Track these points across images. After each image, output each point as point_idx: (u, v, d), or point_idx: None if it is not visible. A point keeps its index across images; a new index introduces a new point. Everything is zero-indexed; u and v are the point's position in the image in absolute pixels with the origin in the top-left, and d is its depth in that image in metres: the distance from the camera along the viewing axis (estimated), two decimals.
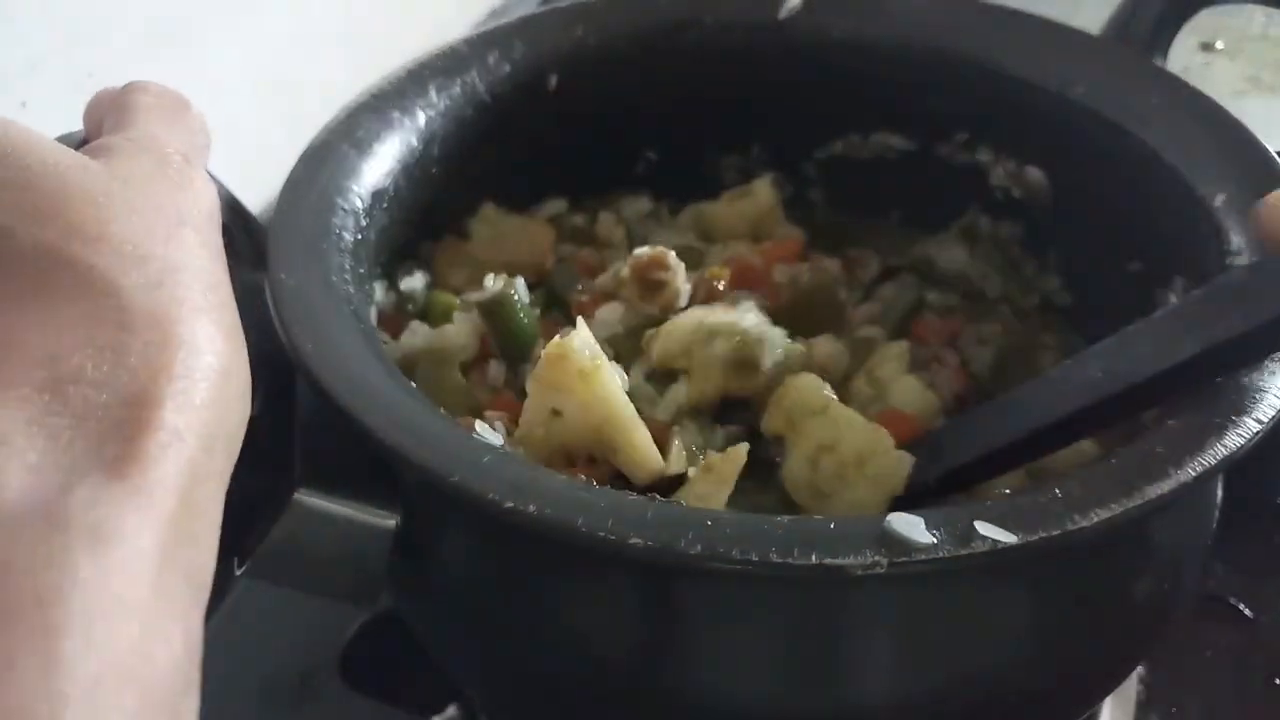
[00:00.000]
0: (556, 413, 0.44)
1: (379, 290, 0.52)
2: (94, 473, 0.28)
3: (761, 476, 0.46)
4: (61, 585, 0.26)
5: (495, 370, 0.51)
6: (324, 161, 0.49)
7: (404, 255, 0.55)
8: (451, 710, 0.54)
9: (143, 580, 0.28)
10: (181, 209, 0.34)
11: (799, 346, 0.50)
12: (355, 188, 0.49)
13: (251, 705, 0.55)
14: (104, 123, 0.37)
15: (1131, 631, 0.44)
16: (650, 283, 0.52)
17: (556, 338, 0.44)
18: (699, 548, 0.34)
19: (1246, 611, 0.58)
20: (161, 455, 0.29)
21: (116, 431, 0.29)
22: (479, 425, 0.41)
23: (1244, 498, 0.47)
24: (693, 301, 0.52)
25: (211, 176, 0.41)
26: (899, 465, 0.44)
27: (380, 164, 0.51)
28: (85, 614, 0.26)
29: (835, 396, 0.47)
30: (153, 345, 0.30)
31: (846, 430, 0.45)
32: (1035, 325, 0.58)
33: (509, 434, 0.46)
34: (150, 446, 0.29)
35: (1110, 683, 0.47)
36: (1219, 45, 0.86)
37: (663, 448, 0.46)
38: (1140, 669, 0.55)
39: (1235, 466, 0.37)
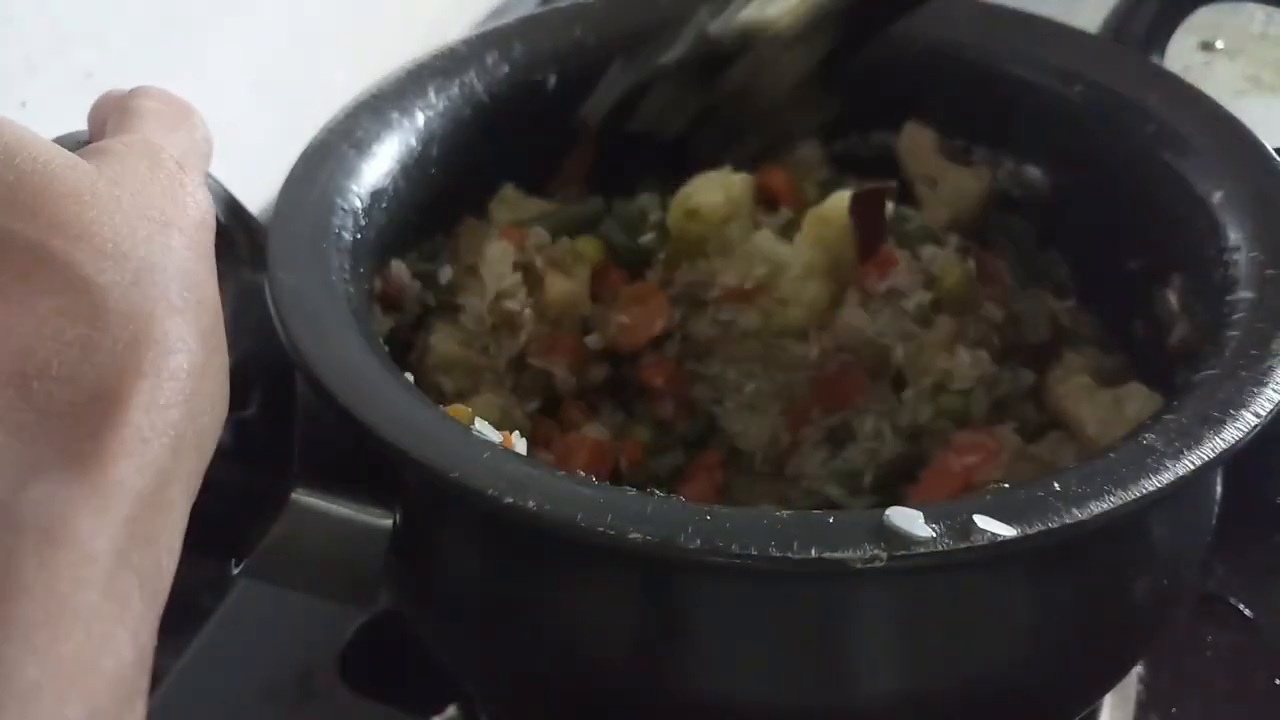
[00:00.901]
0: None
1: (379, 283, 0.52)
2: (53, 470, 0.28)
3: None
4: (3, 588, 0.26)
5: None
6: (323, 161, 0.49)
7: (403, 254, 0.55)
8: (451, 710, 0.54)
9: (92, 585, 0.27)
10: (168, 213, 0.34)
11: None
12: (354, 188, 0.49)
13: (251, 705, 0.55)
14: (106, 125, 0.37)
15: (1131, 628, 0.44)
16: None
17: None
18: (698, 542, 0.34)
19: (1246, 611, 0.58)
20: (124, 454, 0.29)
21: (79, 429, 0.29)
22: (479, 423, 0.41)
23: (1244, 497, 0.47)
24: None
25: (210, 176, 0.41)
26: None
27: (379, 164, 0.51)
28: (25, 619, 0.26)
29: None
30: (123, 343, 0.30)
31: None
32: None
33: None
34: (113, 445, 0.29)
35: (1109, 680, 0.47)
36: (1219, 45, 0.86)
37: None
38: (1140, 668, 0.55)
39: (1234, 465, 0.37)
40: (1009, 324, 0.53)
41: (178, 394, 0.31)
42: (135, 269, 0.31)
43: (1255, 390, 0.38)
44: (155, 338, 0.31)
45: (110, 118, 0.37)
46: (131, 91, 0.38)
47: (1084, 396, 0.49)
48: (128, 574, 0.28)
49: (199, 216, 0.35)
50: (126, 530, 0.28)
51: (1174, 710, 0.54)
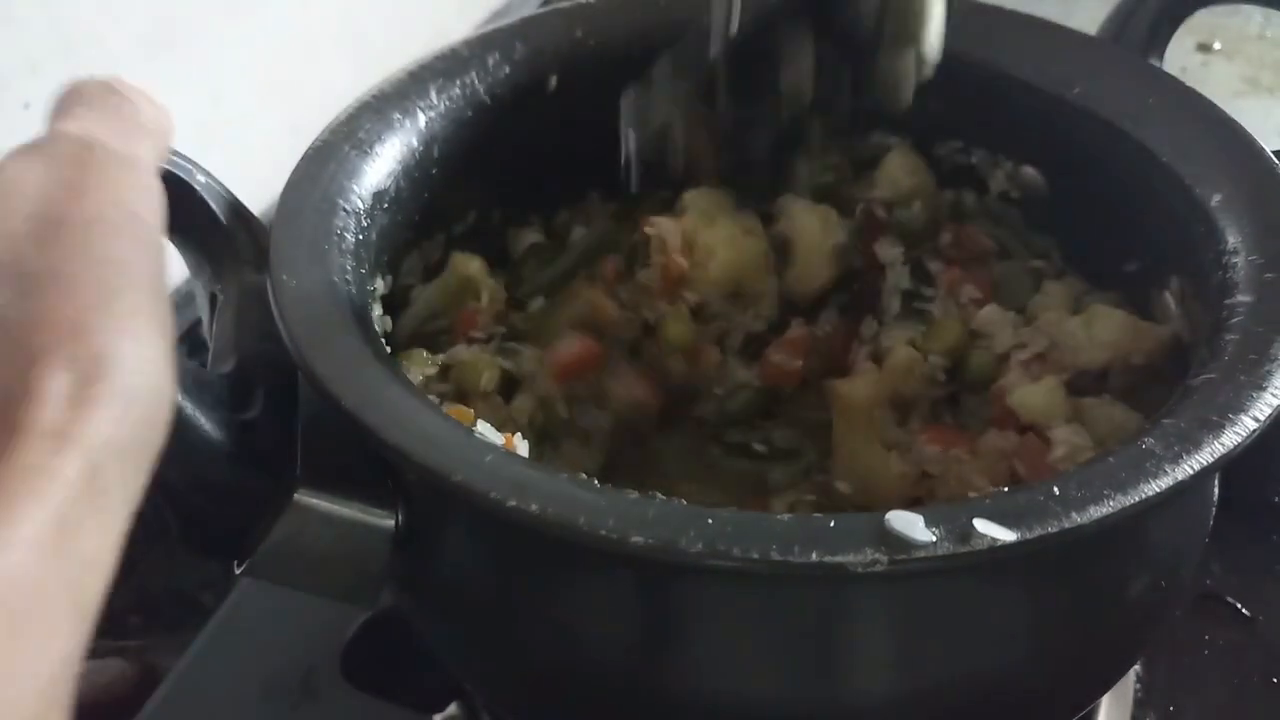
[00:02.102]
0: None
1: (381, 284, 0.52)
2: None
3: None
4: None
5: None
6: (325, 162, 0.49)
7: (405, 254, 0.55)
8: (453, 709, 0.54)
9: None
10: (97, 206, 0.32)
11: None
12: (356, 188, 0.49)
13: (251, 705, 0.55)
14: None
15: (1128, 629, 0.44)
16: None
17: None
18: (699, 545, 0.34)
19: (1245, 611, 0.58)
20: (38, 473, 0.27)
21: None
22: (480, 425, 0.42)
23: (1243, 497, 0.47)
24: None
25: (212, 178, 0.41)
26: None
27: (381, 165, 0.51)
28: None
29: None
30: (20, 361, 0.28)
31: None
32: None
33: None
34: (25, 461, 0.27)
35: (1107, 680, 0.47)
36: (1216, 46, 0.86)
37: None
38: (1138, 667, 0.55)
39: (1233, 465, 0.38)
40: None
41: (102, 413, 0.28)
42: (32, 281, 0.29)
43: (1254, 395, 0.38)
44: (81, 352, 0.28)
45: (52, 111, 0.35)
46: (73, 82, 0.36)
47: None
48: (40, 596, 0.26)
49: (137, 207, 0.33)
50: (38, 555, 0.26)
51: (1171, 708, 0.54)
